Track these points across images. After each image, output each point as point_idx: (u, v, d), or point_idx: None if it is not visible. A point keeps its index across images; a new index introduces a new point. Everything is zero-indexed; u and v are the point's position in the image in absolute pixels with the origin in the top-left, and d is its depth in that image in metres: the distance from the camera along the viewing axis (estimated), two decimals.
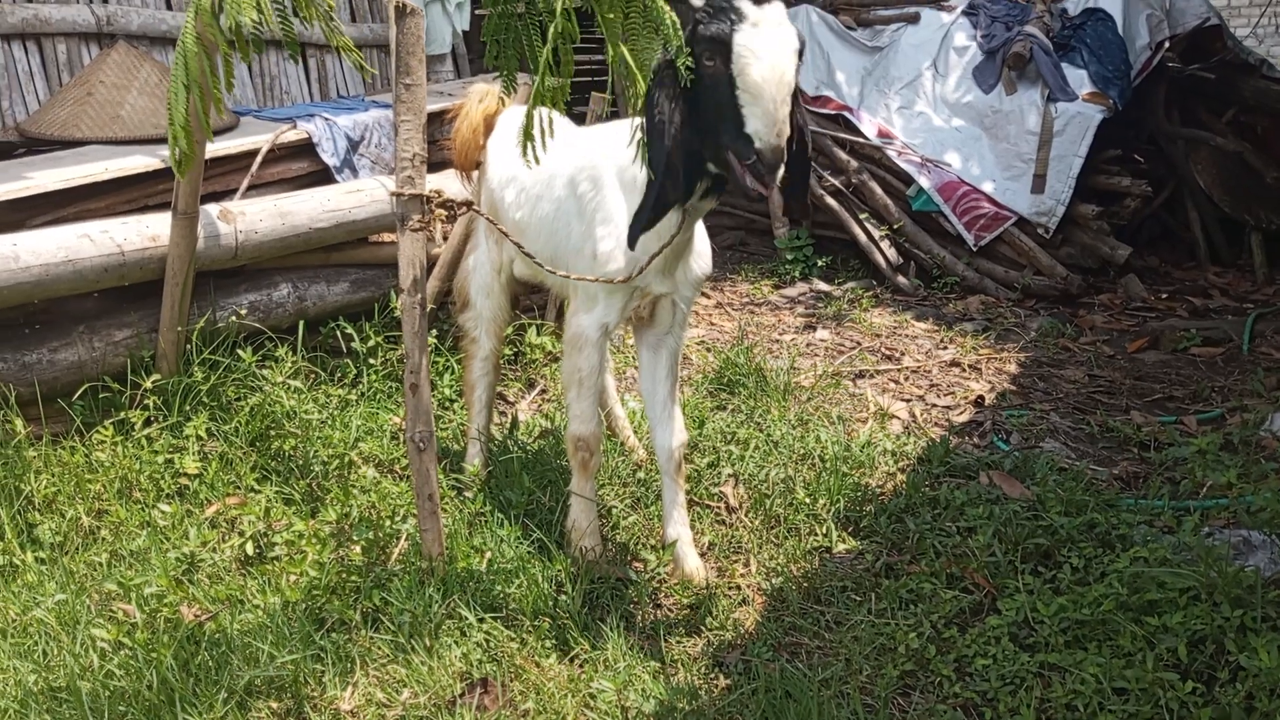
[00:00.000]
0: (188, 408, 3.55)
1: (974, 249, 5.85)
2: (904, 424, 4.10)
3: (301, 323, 4.01)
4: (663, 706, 2.48)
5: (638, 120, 2.54)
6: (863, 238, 6.04)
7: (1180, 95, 6.33)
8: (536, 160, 2.62)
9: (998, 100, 5.94)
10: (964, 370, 4.69)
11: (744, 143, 2.34)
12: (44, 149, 4.31)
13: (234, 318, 3.83)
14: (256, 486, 3.35)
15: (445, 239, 4.30)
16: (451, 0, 6.76)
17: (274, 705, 2.46)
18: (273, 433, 3.53)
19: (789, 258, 6.11)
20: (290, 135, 4.45)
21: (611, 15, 2.53)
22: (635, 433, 3.80)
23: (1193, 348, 4.93)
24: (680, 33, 2.37)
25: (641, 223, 2.58)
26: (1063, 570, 2.85)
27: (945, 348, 4.96)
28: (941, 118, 6.11)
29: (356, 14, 6.76)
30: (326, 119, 4.64)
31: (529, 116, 2.58)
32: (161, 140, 4.28)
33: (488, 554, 2.93)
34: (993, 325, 5.25)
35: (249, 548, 3.02)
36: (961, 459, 3.63)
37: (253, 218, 3.83)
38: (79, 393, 3.49)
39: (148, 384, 3.48)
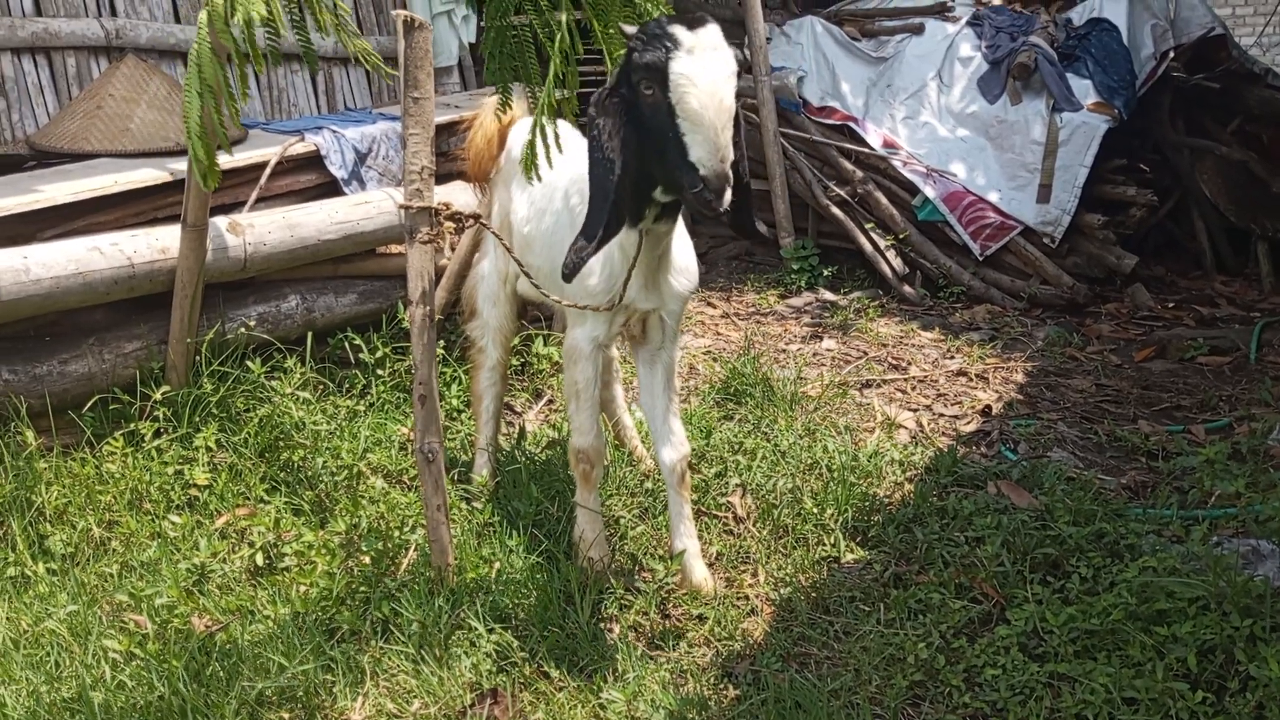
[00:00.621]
0: (197, 419, 3.56)
1: (980, 259, 5.85)
2: (911, 434, 4.10)
3: (310, 334, 4.02)
4: (673, 717, 2.48)
5: None
6: (868, 248, 6.05)
7: (1185, 105, 6.33)
8: (539, 177, 2.64)
9: (1003, 110, 5.95)
10: (971, 380, 4.69)
11: (688, 170, 2.32)
12: (54, 162, 4.33)
13: (243, 329, 3.84)
14: (266, 497, 3.37)
15: (453, 249, 4.32)
16: (458, 13, 6.79)
17: (285, 715, 2.47)
18: (282, 444, 3.55)
19: (795, 268, 6.12)
20: (298, 148, 4.47)
21: (610, 31, 2.57)
22: (643, 442, 3.81)
23: (1200, 357, 4.92)
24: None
25: (581, 256, 2.52)
26: (1071, 580, 2.85)
27: (952, 357, 4.97)
28: (947, 128, 6.12)
29: (364, 26, 6.80)
30: (334, 131, 4.66)
31: (533, 130, 2.60)
32: (170, 153, 4.31)
33: (496, 564, 2.94)
34: (999, 335, 5.25)
35: (259, 558, 3.03)
36: (969, 468, 3.63)
37: (261, 230, 3.85)
38: (89, 404, 3.51)
39: (157, 395, 3.50)
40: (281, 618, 2.72)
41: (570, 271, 2.55)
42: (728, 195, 2.32)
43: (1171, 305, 5.77)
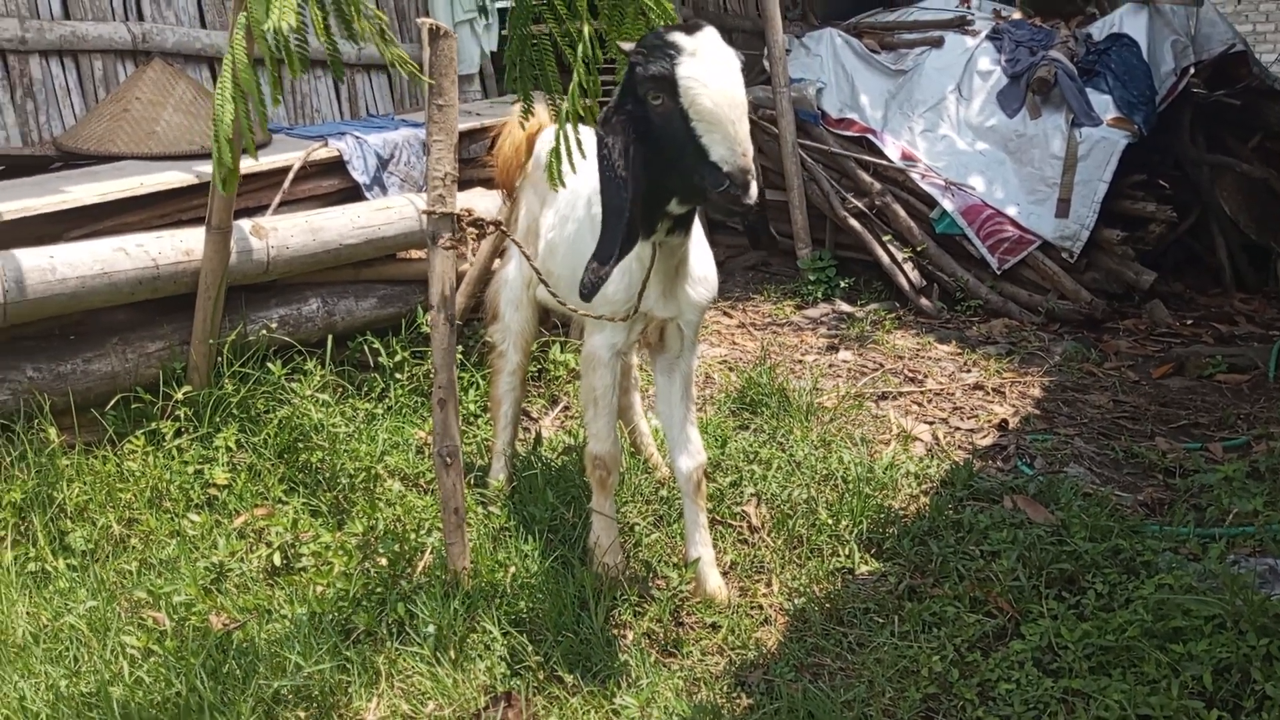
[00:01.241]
0: (218, 419, 3.60)
1: (997, 272, 5.85)
2: (927, 446, 4.10)
3: (330, 337, 4.06)
4: None
5: None
6: (886, 260, 6.05)
7: (1205, 121, 6.32)
8: (562, 183, 2.66)
9: (1022, 124, 5.95)
10: (987, 393, 4.69)
11: (711, 171, 2.31)
12: (81, 163, 4.38)
13: (264, 331, 3.88)
14: (284, 498, 3.39)
15: (474, 255, 4.35)
16: (480, 21, 6.84)
17: (301, 714, 2.48)
18: (300, 445, 3.58)
19: (811, 278, 6.12)
20: (321, 153, 4.52)
21: (626, 45, 2.61)
22: (659, 450, 3.82)
23: (1218, 374, 4.90)
24: None
25: (598, 277, 2.51)
26: (1087, 596, 2.84)
27: (968, 370, 4.96)
28: (965, 141, 6.12)
29: (386, 34, 6.85)
30: (357, 137, 4.71)
31: (558, 138, 2.63)
32: (196, 156, 4.36)
33: (512, 568, 2.95)
34: (1016, 349, 5.24)
35: (276, 558, 3.06)
36: (985, 482, 3.63)
37: (284, 233, 3.89)
38: (112, 403, 3.55)
39: (179, 395, 3.54)
40: (298, 617, 2.74)
41: (589, 292, 2.55)
42: (754, 188, 2.32)
43: (1190, 322, 5.75)
